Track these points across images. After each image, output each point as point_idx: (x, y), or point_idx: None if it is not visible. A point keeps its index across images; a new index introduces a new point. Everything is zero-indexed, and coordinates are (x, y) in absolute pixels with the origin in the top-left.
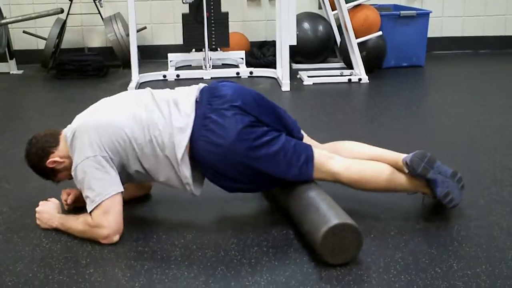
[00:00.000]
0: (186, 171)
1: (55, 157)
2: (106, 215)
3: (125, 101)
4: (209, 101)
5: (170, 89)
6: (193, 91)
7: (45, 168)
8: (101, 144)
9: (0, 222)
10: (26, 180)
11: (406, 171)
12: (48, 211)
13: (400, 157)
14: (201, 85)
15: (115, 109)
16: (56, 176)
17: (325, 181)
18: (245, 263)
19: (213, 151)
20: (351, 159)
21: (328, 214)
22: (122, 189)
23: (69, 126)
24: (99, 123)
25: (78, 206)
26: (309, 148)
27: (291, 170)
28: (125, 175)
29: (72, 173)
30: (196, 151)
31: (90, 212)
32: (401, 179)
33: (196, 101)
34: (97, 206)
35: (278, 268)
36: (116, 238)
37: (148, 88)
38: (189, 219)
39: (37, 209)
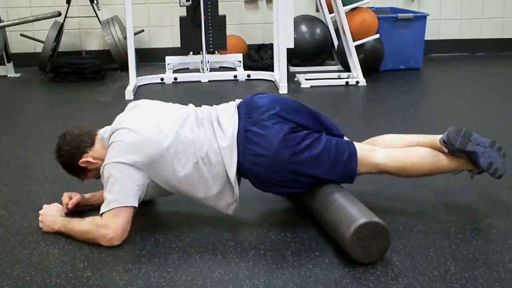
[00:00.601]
0: (236, 189)
1: (89, 157)
2: (115, 218)
3: (171, 117)
4: (248, 114)
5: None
6: (231, 107)
7: (76, 167)
8: (138, 159)
9: None
10: (23, 183)
11: (445, 150)
12: (51, 214)
13: (436, 138)
14: (238, 101)
15: (161, 125)
16: (85, 175)
17: (372, 174)
18: (243, 266)
19: (260, 163)
20: (391, 149)
21: (370, 212)
22: (136, 205)
23: (106, 127)
24: (142, 140)
25: (77, 210)
26: (351, 144)
27: (336, 168)
28: (157, 190)
29: (101, 170)
30: (243, 166)
31: (102, 214)
32: (444, 159)
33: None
34: (110, 210)
35: (275, 271)
36: (117, 242)
37: (192, 106)
38: (187, 222)
39: (40, 212)
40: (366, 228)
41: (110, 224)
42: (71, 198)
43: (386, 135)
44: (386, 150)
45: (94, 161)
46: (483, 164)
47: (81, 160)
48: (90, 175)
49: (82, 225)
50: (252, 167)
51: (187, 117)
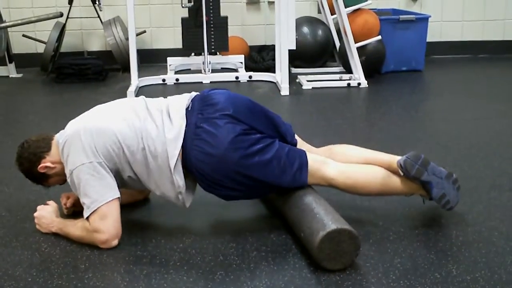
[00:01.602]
0: (179, 180)
1: (47, 162)
2: (103, 221)
3: (118, 108)
4: (201, 110)
5: (166, 96)
6: (184, 100)
7: (36, 173)
8: (95, 150)
9: None
10: (25, 184)
11: (401, 173)
12: (46, 216)
13: (394, 159)
14: (193, 94)
15: (108, 115)
16: (47, 181)
17: (321, 186)
18: (244, 267)
19: (206, 161)
20: (345, 164)
21: (325, 219)
22: (118, 195)
23: (62, 131)
24: (93, 129)
25: (77, 210)
26: (303, 154)
27: (285, 177)
28: (120, 181)
29: (68, 180)
30: (189, 161)
31: (87, 218)
32: (396, 182)
33: (187, 109)
34: (93, 212)
35: (277, 272)
36: (114, 242)
37: (142, 97)
38: (188, 223)
39: (35, 214)
40: (325, 244)
41: (101, 227)
42: (68, 198)
43: (344, 146)
44: (338, 165)
45: (53, 165)
46: (436, 195)
47: (39, 166)
48: (53, 181)
49: (77, 231)
50: (198, 163)
51: (136, 106)
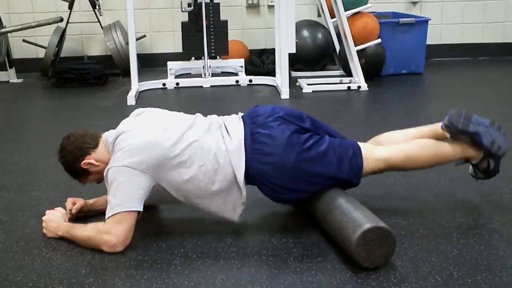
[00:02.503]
0: (244, 190)
1: (91, 159)
2: (118, 225)
3: (176, 121)
4: (253, 120)
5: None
6: (236, 117)
7: (78, 168)
8: (142, 161)
9: None
10: (26, 189)
11: (448, 135)
12: (55, 220)
13: (438, 125)
14: (240, 114)
15: (165, 128)
16: (86, 178)
17: (378, 173)
18: (245, 271)
19: (268, 162)
20: (393, 144)
21: (377, 218)
22: (141, 209)
23: (112, 131)
24: (147, 142)
25: (80, 216)
26: (354, 143)
27: (342, 165)
28: (159, 192)
29: (104, 173)
30: (251, 168)
31: (106, 218)
32: (446, 145)
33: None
34: (114, 214)
35: (278, 276)
36: (119, 248)
37: (198, 114)
38: (189, 228)
39: (43, 218)
40: (373, 233)
41: (113, 230)
42: (74, 203)
43: (387, 133)
44: (388, 145)
45: (97, 163)
46: (487, 143)
47: (83, 162)
48: (91, 178)
49: (85, 231)
50: (261, 167)
51: (194, 122)
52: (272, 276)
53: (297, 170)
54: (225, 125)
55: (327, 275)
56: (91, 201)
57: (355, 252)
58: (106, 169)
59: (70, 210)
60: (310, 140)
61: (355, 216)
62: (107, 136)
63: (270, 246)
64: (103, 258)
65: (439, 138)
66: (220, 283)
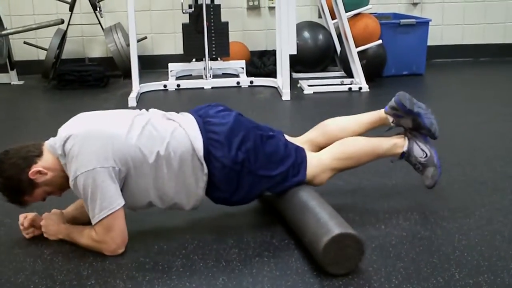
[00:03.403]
0: (205, 168)
1: (39, 167)
2: (109, 232)
3: (118, 114)
4: (198, 113)
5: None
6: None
7: (23, 182)
8: (109, 154)
9: (1, 233)
10: None
11: (391, 119)
12: (53, 223)
13: (379, 112)
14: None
15: (112, 121)
16: (31, 194)
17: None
18: (247, 273)
19: (220, 131)
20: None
21: (329, 223)
22: (123, 202)
23: (53, 138)
24: (106, 132)
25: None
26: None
27: (288, 148)
28: (127, 192)
29: (71, 183)
30: (206, 147)
31: (94, 226)
32: (379, 140)
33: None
34: (100, 221)
35: (279, 278)
36: (121, 250)
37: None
38: (190, 229)
39: (41, 223)
40: (330, 250)
41: (107, 239)
42: (26, 217)
43: (334, 124)
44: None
45: (45, 171)
46: (428, 124)
47: (31, 171)
48: (37, 193)
49: (83, 239)
50: (214, 136)
51: (136, 113)
52: (273, 277)
53: (250, 130)
54: (170, 115)
55: (329, 277)
56: (44, 215)
57: (330, 271)
58: (72, 177)
59: (22, 224)
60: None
61: (312, 232)
62: (51, 142)
63: (272, 248)
64: (104, 260)
65: (382, 123)
66: (221, 285)
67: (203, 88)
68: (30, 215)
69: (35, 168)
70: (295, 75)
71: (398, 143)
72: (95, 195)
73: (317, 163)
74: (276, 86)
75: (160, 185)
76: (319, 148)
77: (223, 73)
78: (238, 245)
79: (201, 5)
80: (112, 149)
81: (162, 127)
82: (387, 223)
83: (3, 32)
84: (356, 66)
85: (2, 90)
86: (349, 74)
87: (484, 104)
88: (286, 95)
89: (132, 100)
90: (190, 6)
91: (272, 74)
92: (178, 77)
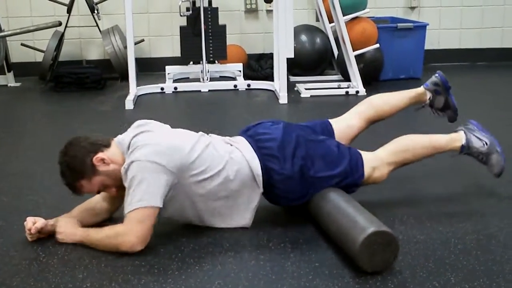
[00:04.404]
0: (260, 184)
1: (104, 156)
2: (139, 224)
3: (184, 132)
4: (247, 134)
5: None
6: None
7: (86, 165)
8: (169, 161)
9: None
10: (22, 193)
11: (429, 95)
12: (70, 226)
13: (418, 89)
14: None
15: (180, 136)
16: (90, 181)
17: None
18: (243, 276)
19: (271, 146)
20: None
21: (380, 223)
22: (161, 206)
23: (123, 134)
24: (175, 142)
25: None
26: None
27: (343, 151)
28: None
29: (124, 167)
30: (261, 163)
31: (127, 214)
32: (436, 135)
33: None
34: (136, 209)
35: (275, 282)
36: (139, 248)
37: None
38: (186, 232)
39: (57, 229)
40: (378, 237)
41: (134, 229)
42: (35, 223)
43: (379, 97)
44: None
45: (109, 161)
46: (456, 104)
47: (95, 157)
48: (95, 183)
49: (102, 232)
50: (268, 152)
51: (199, 135)
52: (269, 281)
53: (301, 144)
54: (225, 139)
55: (325, 281)
56: (51, 221)
57: (358, 254)
58: (127, 163)
59: (30, 229)
60: (307, 129)
61: (359, 219)
62: (120, 138)
63: (268, 251)
64: (100, 263)
65: (418, 99)
66: None
67: (200, 91)
68: (39, 223)
69: (100, 155)
70: (292, 78)
71: (455, 137)
72: (142, 185)
73: (373, 158)
74: (273, 90)
75: (207, 201)
76: (368, 119)
77: (220, 76)
78: (234, 249)
79: (199, 8)
80: (175, 156)
81: (222, 149)
82: None
83: (1, 34)
84: (354, 70)
85: None
86: (346, 78)
87: (481, 109)
88: (283, 99)
89: (129, 102)
90: (187, 9)
91: (269, 77)
92: (176, 80)
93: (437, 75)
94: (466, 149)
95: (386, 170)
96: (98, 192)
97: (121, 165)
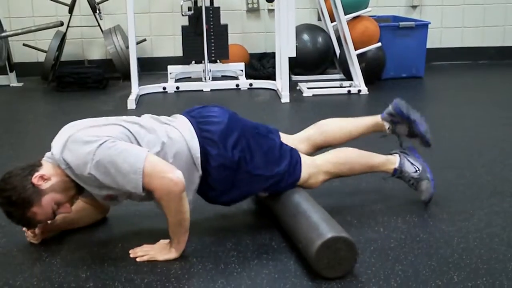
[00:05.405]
0: (199, 167)
1: (41, 173)
2: (154, 172)
3: (109, 120)
4: (190, 115)
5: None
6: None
7: (29, 190)
8: (99, 134)
9: None
10: None
11: (387, 125)
12: (160, 248)
13: (376, 117)
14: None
15: (106, 124)
16: (39, 202)
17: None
18: (245, 276)
19: (215, 130)
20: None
21: (321, 227)
22: (146, 149)
23: (48, 152)
24: (96, 130)
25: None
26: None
27: (282, 150)
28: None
29: (90, 173)
30: (201, 146)
31: (144, 189)
32: (373, 154)
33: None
34: (142, 177)
35: (278, 280)
36: (179, 173)
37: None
38: (189, 232)
39: (148, 257)
40: (323, 253)
41: (160, 178)
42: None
43: (332, 122)
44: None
45: (48, 176)
46: (424, 130)
47: (33, 177)
48: (46, 201)
49: (170, 218)
50: (209, 135)
51: (125, 120)
52: (272, 280)
53: (244, 134)
54: (160, 118)
55: (327, 279)
56: (58, 220)
57: (323, 273)
58: (87, 170)
59: (33, 232)
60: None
61: (305, 236)
62: (48, 154)
63: (270, 250)
64: (103, 262)
65: (377, 129)
66: None
67: (202, 90)
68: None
69: (37, 174)
70: (294, 77)
71: (390, 159)
72: (118, 165)
73: (311, 164)
74: (275, 89)
75: None
76: (316, 146)
77: (222, 76)
78: (237, 248)
79: (201, 7)
80: (102, 131)
81: (158, 130)
82: (385, 225)
83: (3, 34)
84: (355, 69)
85: (1, 92)
86: (348, 77)
87: (483, 107)
88: (285, 98)
89: (131, 102)
90: (189, 9)
91: (271, 76)
92: (178, 79)
93: (393, 104)
94: (398, 173)
95: (321, 179)
96: (54, 215)
97: (62, 175)
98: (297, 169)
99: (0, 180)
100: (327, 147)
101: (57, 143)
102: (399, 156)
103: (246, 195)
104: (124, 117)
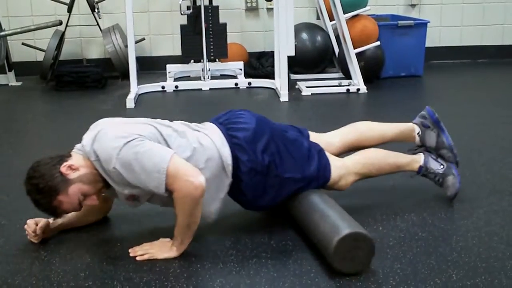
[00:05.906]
0: (229, 173)
1: (70, 163)
2: (179, 174)
3: (145, 120)
4: (218, 121)
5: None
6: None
7: (56, 177)
8: (131, 132)
9: None
10: (24, 192)
11: (417, 130)
12: (160, 246)
13: (408, 123)
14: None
15: (141, 124)
16: (66, 191)
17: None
18: (244, 275)
19: (244, 136)
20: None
21: (352, 222)
22: (173, 150)
23: (79, 144)
24: (131, 127)
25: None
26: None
27: (311, 154)
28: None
29: (115, 167)
30: (231, 152)
31: (167, 190)
32: (400, 153)
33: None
34: (166, 177)
35: (277, 279)
36: (202, 177)
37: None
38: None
39: (149, 256)
40: (344, 243)
41: (181, 183)
42: (37, 224)
43: (365, 123)
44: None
45: (77, 166)
46: (451, 143)
47: (62, 166)
48: (73, 191)
49: (179, 219)
50: (238, 141)
51: (159, 123)
52: (271, 279)
53: (272, 142)
54: (191, 125)
55: (326, 278)
56: (59, 220)
57: (337, 267)
58: (111, 165)
59: (34, 231)
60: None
61: (324, 229)
62: (78, 146)
63: (269, 249)
64: (102, 261)
65: (408, 134)
66: (218, 287)
67: (201, 89)
68: (42, 222)
69: (66, 163)
70: (293, 76)
71: (415, 157)
72: (143, 163)
73: (341, 165)
74: (274, 88)
75: None
76: (348, 144)
77: (221, 75)
78: (236, 247)
79: (199, 6)
80: (145, 131)
81: (189, 135)
82: (384, 224)
83: (1, 33)
84: (354, 68)
85: (0, 91)
86: (347, 76)
87: (482, 106)
88: (284, 97)
89: (130, 101)
90: (188, 8)
91: (270, 75)
92: (176, 78)
93: (426, 108)
94: (424, 170)
95: (351, 180)
96: (80, 206)
97: (90, 167)
98: (327, 170)
99: (29, 168)
100: (358, 148)
101: (88, 136)
102: (423, 154)
103: (278, 199)
104: (158, 120)
